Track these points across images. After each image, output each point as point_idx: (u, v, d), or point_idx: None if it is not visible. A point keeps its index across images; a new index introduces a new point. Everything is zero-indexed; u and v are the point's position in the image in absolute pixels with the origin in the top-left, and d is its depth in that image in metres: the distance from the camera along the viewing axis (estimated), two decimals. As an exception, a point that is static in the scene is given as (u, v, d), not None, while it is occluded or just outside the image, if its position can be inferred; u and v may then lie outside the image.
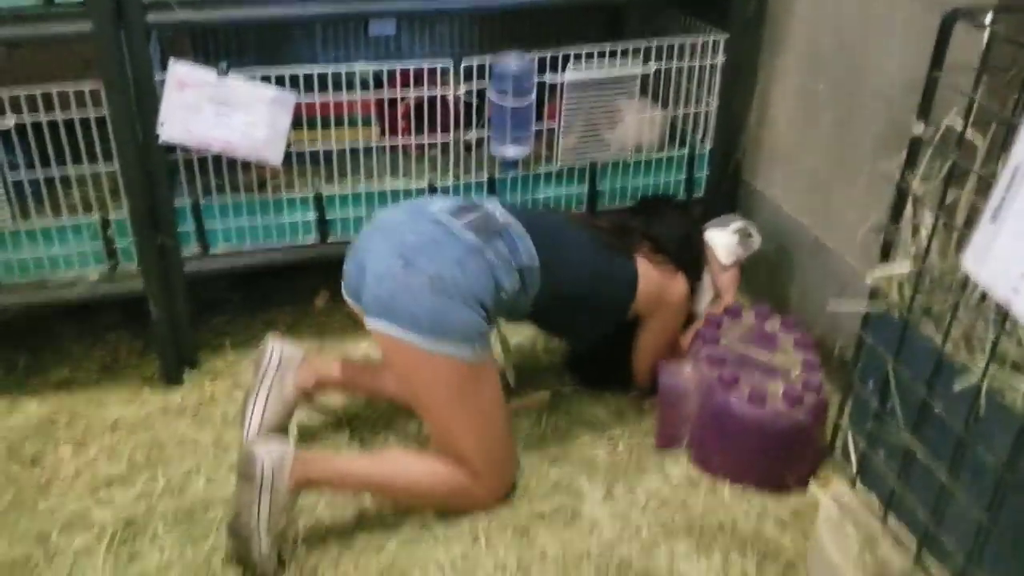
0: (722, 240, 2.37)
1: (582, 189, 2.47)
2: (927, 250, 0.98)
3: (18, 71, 2.05)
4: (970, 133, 0.93)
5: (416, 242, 1.83)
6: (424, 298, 1.78)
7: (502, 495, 2.01)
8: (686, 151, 2.53)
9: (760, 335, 2.21)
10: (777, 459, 2.05)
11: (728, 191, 2.66)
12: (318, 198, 2.26)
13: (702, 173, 2.57)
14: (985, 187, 0.97)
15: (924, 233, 0.99)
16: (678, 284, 2.17)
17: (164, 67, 2.03)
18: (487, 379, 1.90)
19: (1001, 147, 0.95)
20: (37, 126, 1.99)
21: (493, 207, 1.98)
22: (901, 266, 0.99)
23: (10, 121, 1.95)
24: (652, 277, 2.11)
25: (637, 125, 2.46)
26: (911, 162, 0.97)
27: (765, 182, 2.58)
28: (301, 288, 2.69)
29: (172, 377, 2.31)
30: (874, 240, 2.07)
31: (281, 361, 2.09)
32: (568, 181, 2.45)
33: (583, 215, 2.28)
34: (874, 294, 1.05)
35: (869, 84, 2.12)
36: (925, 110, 0.96)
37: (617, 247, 2.09)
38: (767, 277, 2.61)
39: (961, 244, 0.93)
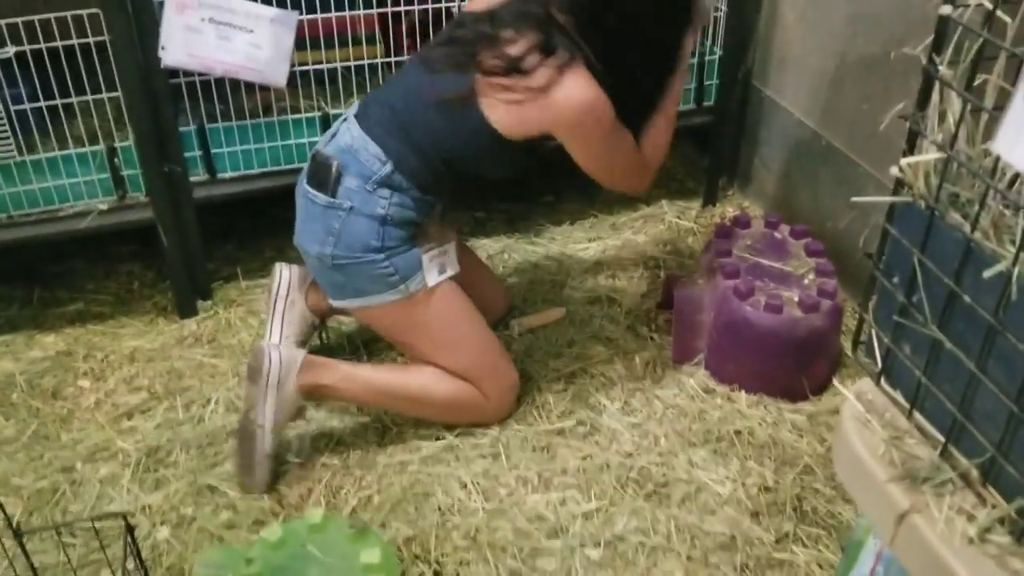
0: None
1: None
2: (955, 136, 0.96)
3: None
4: (1000, 13, 0.91)
5: (299, 222, 1.90)
6: (327, 274, 1.87)
7: (507, 401, 2.02)
8: (695, 59, 2.48)
9: (771, 243, 2.20)
10: (794, 366, 2.06)
11: (738, 99, 2.62)
12: (325, 119, 2.23)
13: (712, 81, 2.53)
14: (1014, 69, 0.95)
15: (951, 120, 0.97)
16: (555, 102, 1.71)
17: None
18: (434, 302, 1.89)
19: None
20: (38, 56, 1.95)
21: (341, 133, 1.86)
22: (930, 154, 0.97)
23: (10, 50, 1.91)
24: (507, 112, 1.75)
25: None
26: (938, 45, 0.94)
27: (776, 89, 2.54)
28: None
29: (186, 306, 2.31)
30: (888, 140, 2.05)
31: (290, 284, 2.10)
32: (577, 95, 2.40)
33: (428, 60, 1.85)
34: (899, 185, 1.04)
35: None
36: (951, -8, 0.93)
37: (452, 103, 1.78)
38: (778, 185, 2.58)
39: (990, 130, 0.91)
